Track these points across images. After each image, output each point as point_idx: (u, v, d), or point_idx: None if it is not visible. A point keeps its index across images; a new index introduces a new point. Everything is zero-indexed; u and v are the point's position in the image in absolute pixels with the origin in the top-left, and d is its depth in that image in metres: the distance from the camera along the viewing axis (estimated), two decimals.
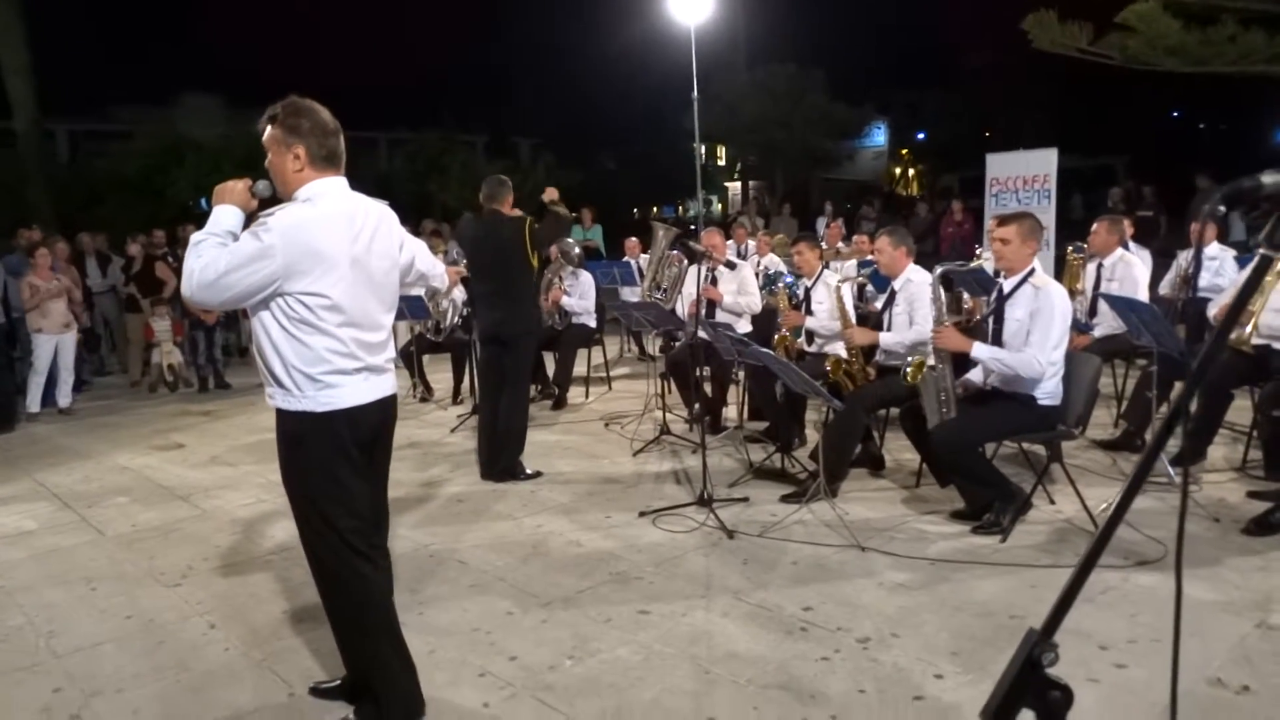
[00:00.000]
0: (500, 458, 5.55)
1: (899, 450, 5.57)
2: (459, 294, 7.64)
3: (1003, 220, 4.45)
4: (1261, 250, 1.13)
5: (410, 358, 8.14)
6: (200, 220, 2.83)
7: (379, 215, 2.81)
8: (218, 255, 2.52)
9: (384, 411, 2.82)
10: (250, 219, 2.66)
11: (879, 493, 5.06)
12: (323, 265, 2.56)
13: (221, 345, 9.91)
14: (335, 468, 2.68)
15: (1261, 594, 3.57)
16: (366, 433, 2.75)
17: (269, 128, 2.68)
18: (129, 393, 9.73)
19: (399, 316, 4.50)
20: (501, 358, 5.56)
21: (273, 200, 2.73)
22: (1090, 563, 1.27)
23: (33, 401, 8.31)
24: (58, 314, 8.47)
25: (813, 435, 5.98)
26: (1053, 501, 4.66)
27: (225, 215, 2.66)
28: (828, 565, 4.04)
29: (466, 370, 7.79)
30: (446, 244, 11.81)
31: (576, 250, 7.62)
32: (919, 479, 5.10)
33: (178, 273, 10.04)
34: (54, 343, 8.38)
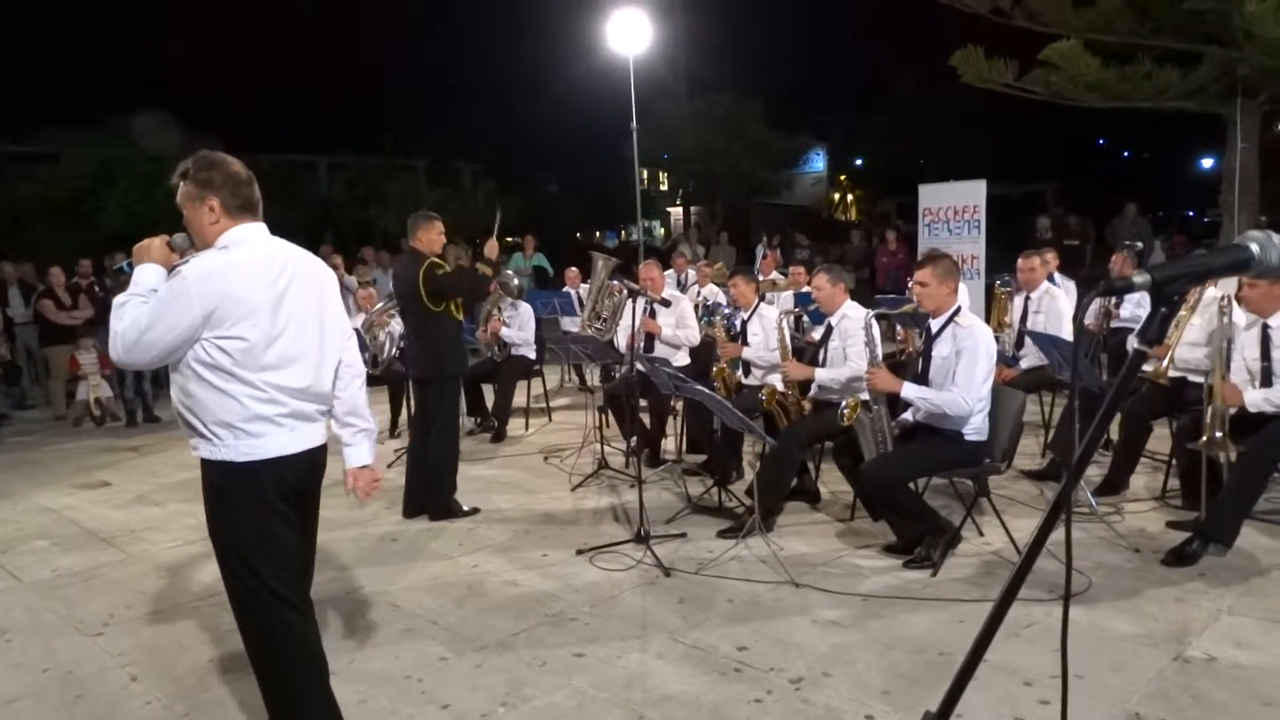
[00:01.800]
0: (426, 496, 5.50)
1: (834, 482, 5.65)
2: (396, 326, 7.58)
3: (919, 264, 4.58)
4: (1135, 345, 1.18)
5: None
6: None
7: (305, 262, 2.79)
8: (139, 314, 2.52)
9: (312, 462, 2.79)
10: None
11: (814, 526, 5.11)
12: (240, 309, 2.54)
13: (150, 377, 9.65)
14: (260, 518, 2.64)
15: (1179, 626, 3.68)
16: (293, 483, 2.71)
17: (181, 184, 2.67)
18: (53, 427, 9.44)
19: None
20: (424, 396, 5.54)
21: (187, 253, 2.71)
22: (986, 639, 1.30)
23: None
24: None
25: (751, 468, 6.03)
26: (981, 533, 4.76)
27: (147, 274, 2.64)
28: (762, 603, 4.07)
29: (404, 404, 7.71)
30: (371, 273, 11.77)
31: (515, 282, 7.60)
32: (853, 512, 5.16)
33: (105, 303, 9.95)
34: None
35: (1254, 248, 1.09)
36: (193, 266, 2.53)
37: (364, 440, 2.94)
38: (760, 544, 4.68)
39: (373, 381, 8.00)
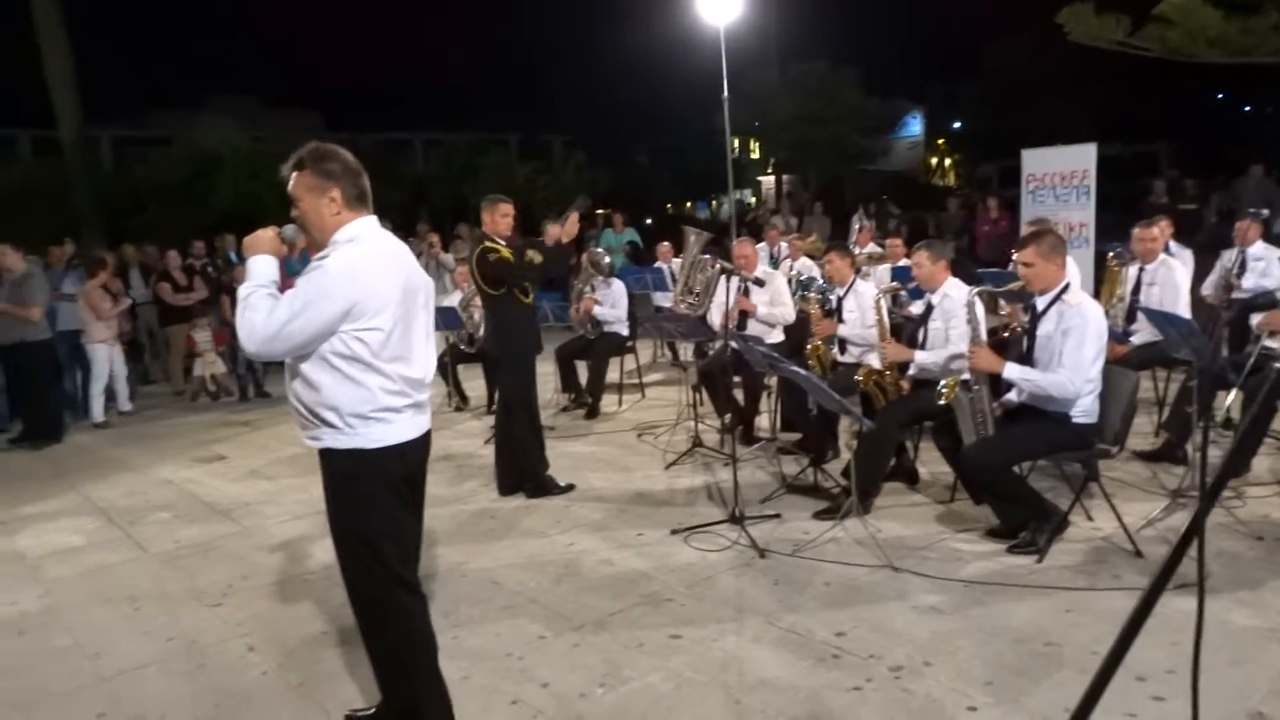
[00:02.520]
0: (517, 473, 5.60)
1: (934, 463, 5.52)
2: None
3: (1022, 243, 4.40)
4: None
5: (445, 367, 8.22)
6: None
7: (407, 253, 2.87)
8: (273, 306, 2.57)
9: (427, 446, 2.89)
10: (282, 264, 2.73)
11: (913, 508, 5.02)
12: (377, 301, 2.61)
13: None
14: (389, 503, 2.73)
15: None
16: (414, 467, 2.82)
17: (295, 174, 2.72)
18: (172, 402, 9.95)
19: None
20: (498, 377, 5.63)
21: (308, 246, 2.79)
22: (1127, 641, 1.24)
23: (97, 412, 8.68)
24: (113, 326, 8.92)
25: (848, 448, 5.94)
26: (1090, 518, 4.59)
27: (263, 265, 2.71)
28: (860, 586, 4.02)
29: None
30: (466, 250, 11.94)
31: (606, 260, 7.63)
32: (954, 494, 5.05)
33: (217, 283, 10.41)
34: (110, 352, 8.75)
35: None
36: (334, 260, 2.59)
37: None
38: (857, 526, 4.62)
39: (469, 359, 8.25)
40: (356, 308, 2.57)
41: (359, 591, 2.81)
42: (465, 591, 4.21)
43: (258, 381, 9.76)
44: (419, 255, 9.03)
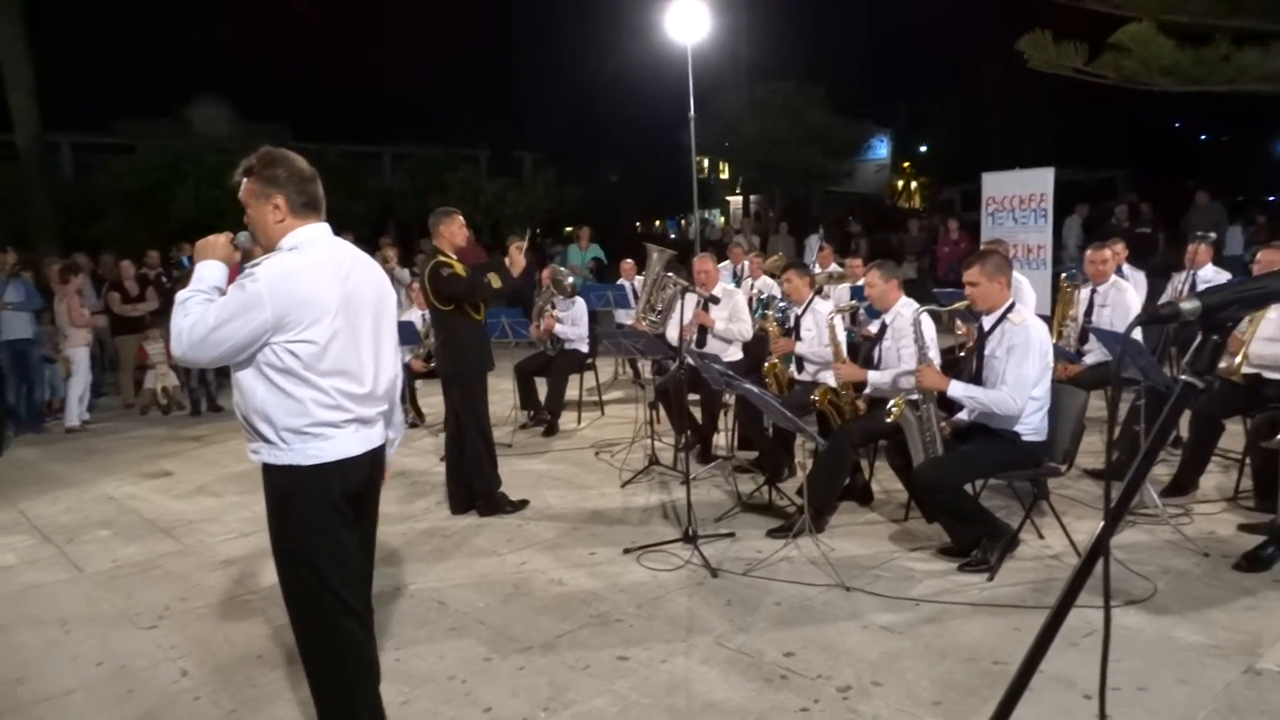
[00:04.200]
0: (468, 492, 5.51)
1: (888, 481, 5.51)
2: None
3: (968, 263, 4.44)
4: (1184, 377, 1.08)
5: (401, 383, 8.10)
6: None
7: (364, 263, 2.77)
8: (205, 311, 2.49)
9: (374, 463, 2.78)
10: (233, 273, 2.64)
11: (867, 526, 5.00)
12: (312, 312, 2.52)
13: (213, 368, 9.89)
14: (328, 522, 2.63)
15: (1250, 636, 3.51)
16: (356, 485, 2.70)
17: (245, 181, 2.65)
18: (122, 415, 9.73)
19: None
20: (449, 394, 5.52)
21: (259, 253, 2.70)
22: (1041, 649, 1.21)
23: (71, 415, 8.79)
24: (87, 332, 9.13)
25: (803, 467, 5.92)
26: (1041, 536, 4.60)
27: (209, 271, 2.63)
28: (811, 606, 3.98)
29: None
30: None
31: (570, 280, 7.58)
32: (907, 512, 5.04)
33: (171, 293, 10.20)
34: (86, 357, 8.89)
35: None
36: (266, 268, 2.51)
37: (391, 447, 2.93)
38: (811, 545, 4.59)
39: (428, 375, 8.15)
40: (288, 318, 2.48)
41: (299, 613, 2.71)
42: (410, 612, 4.12)
43: (210, 395, 9.57)
44: None
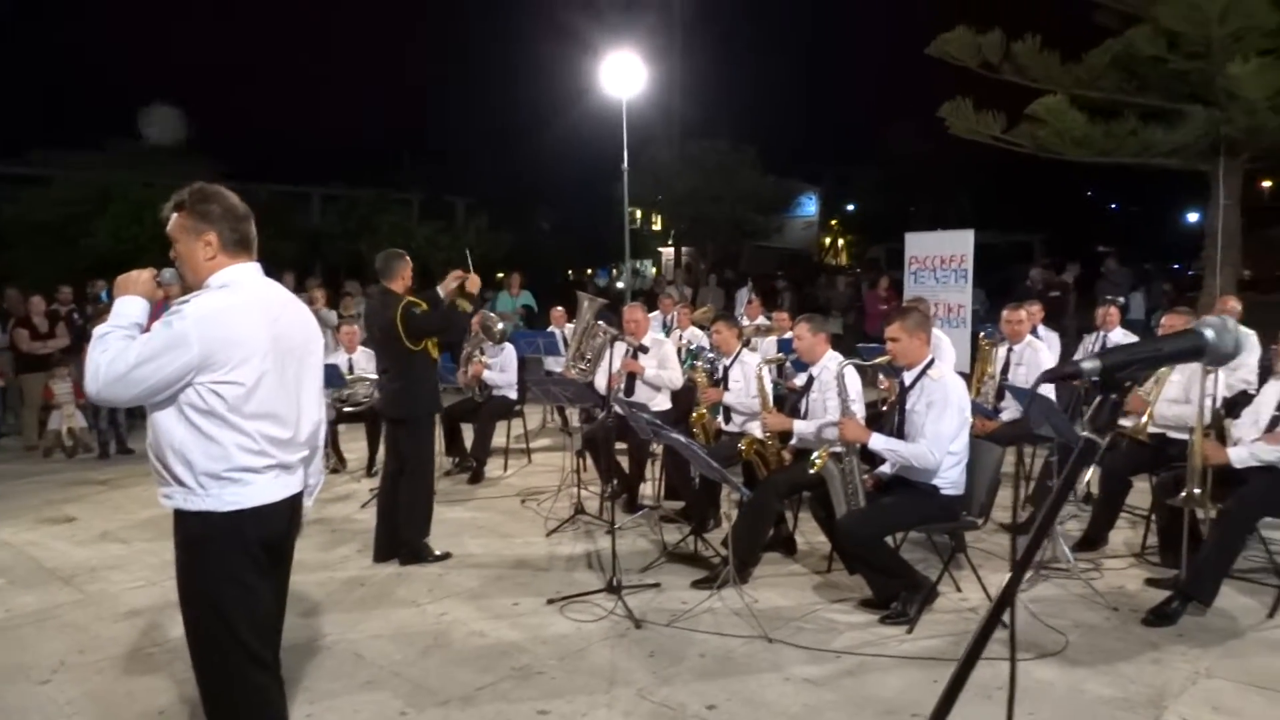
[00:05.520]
0: (396, 540, 5.39)
1: (812, 533, 5.57)
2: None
3: (889, 319, 4.58)
4: (1085, 434, 1.13)
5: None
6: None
7: (293, 306, 2.73)
8: (126, 347, 2.40)
9: (295, 510, 2.70)
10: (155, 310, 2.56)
11: (790, 577, 5.03)
12: (239, 353, 2.45)
13: (125, 409, 9.52)
14: (241, 571, 2.53)
15: (1156, 689, 3.61)
16: (274, 533, 2.62)
17: (175, 215, 2.58)
18: (23, 457, 9.29)
19: None
20: (397, 437, 5.44)
21: (182, 290, 2.63)
22: (948, 703, 1.22)
23: None
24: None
25: (728, 518, 5.94)
26: (959, 589, 4.68)
27: (130, 307, 2.55)
28: (735, 658, 3.97)
29: (381, 441, 7.60)
30: (356, 306, 11.69)
31: (499, 326, 7.55)
32: (830, 564, 5.08)
33: (82, 331, 9.84)
34: None
35: (1208, 334, 1.06)
36: (195, 305, 2.44)
37: (309, 495, 2.85)
38: (735, 596, 4.59)
39: (351, 418, 7.99)
40: (214, 358, 2.42)
41: (205, 664, 2.60)
42: (325, 664, 3.99)
43: (120, 437, 9.20)
44: None
